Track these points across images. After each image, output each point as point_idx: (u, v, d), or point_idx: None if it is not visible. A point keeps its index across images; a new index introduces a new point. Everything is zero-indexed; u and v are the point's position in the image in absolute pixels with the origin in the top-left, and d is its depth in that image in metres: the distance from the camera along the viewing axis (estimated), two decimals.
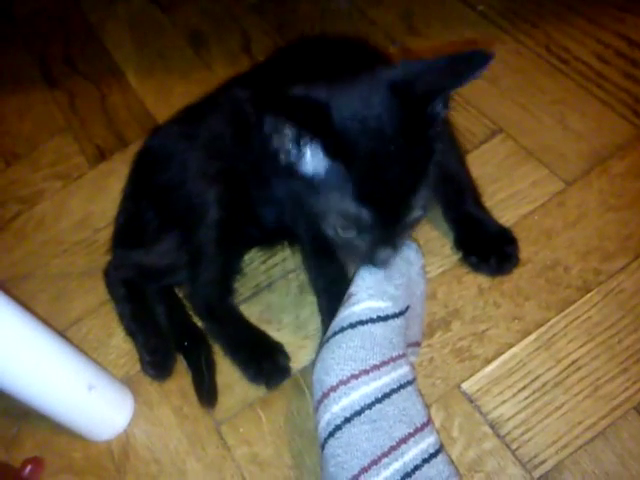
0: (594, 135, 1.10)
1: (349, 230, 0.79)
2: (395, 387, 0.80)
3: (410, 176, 0.75)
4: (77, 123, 1.44)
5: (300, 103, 0.74)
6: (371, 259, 0.81)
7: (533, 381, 0.89)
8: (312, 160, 0.76)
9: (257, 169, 0.99)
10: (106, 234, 1.16)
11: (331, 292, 0.94)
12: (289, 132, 0.74)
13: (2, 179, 1.39)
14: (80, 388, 0.91)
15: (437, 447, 0.79)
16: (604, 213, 1.01)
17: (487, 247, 0.98)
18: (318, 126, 0.72)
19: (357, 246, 0.81)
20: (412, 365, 0.87)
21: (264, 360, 0.96)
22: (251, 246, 1.10)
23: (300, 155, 0.76)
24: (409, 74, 0.75)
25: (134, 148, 1.20)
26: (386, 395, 0.79)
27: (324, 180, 0.76)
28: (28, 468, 0.92)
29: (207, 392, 0.97)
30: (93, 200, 1.28)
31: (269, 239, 1.09)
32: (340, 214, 0.77)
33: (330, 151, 0.74)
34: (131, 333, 1.04)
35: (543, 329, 0.93)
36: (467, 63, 0.71)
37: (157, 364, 1.00)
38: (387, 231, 0.78)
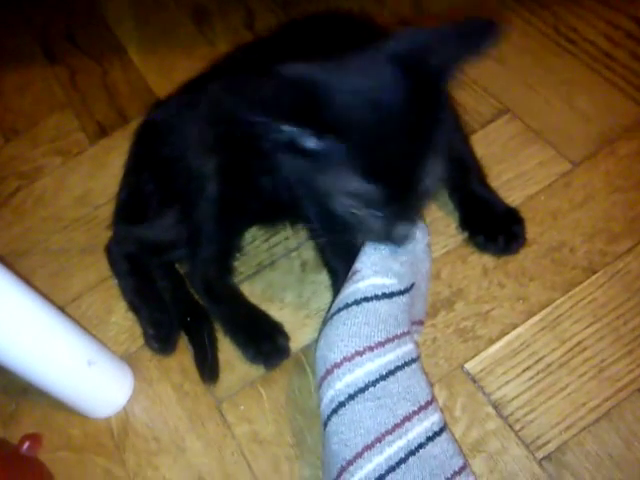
0: (602, 116, 1.09)
1: (361, 208, 0.76)
2: (400, 364, 0.79)
3: (417, 147, 0.72)
4: (78, 99, 1.42)
5: (284, 89, 0.70)
6: (389, 236, 0.79)
7: (537, 362, 0.89)
8: (311, 140, 0.72)
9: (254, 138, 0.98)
10: (106, 210, 1.15)
11: (346, 268, 0.90)
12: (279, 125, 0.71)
13: (1, 155, 1.37)
14: (80, 364, 0.90)
15: (441, 425, 0.78)
16: (611, 194, 1.00)
17: (494, 227, 0.97)
18: (306, 114, 0.69)
19: (372, 224, 0.78)
20: (416, 343, 0.86)
21: (263, 340, 0.95)
22: (251, 223, 1.09)
23: (297, 134, 0.72)
24: (416, 45, 0.72)
25: (135, 124, 1.18)
26: (390, 372, 0.78)
27: (326, 159, 0.73)
28: (26, 444, 0.90)
29: (209, 368, 0.96)
30: (93, 176, 1.26)
31: (269, 214, 1.06)
32: (349, 193, 0.74)
33: (324, 134, 0.71)
34: (134, 307, 1.03)
35: (548, 310, 0.92)
36: (477, 33, 0.69)
37: (161, 338, 0.99)
38: (401, 206, 0.75)
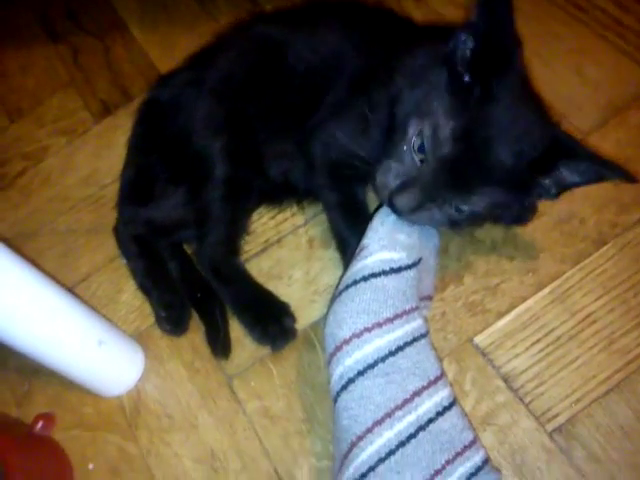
0: (612, 85, 1.07)
1: (421, 148, 0.79)
2: (409, 340, 0.79)
3: (499, 169, 0.77)
4: (81, 78, 1.40)
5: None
6: (389, 189, 0.81)
7: (547, 334, 0.89)
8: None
9: (271, 114, 0.98)
10: (112, 190, 1.15)
11: (358, 240, 0.90)
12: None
13: (7, 136, 1.36)
14: (90, 344, 0.90)
15: (451, 400, 0.78)
16: (621, 164, 0.99)
17: None
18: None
19: (397, 169, 0.82)
20: (424, 319, 0.86)
21: (270, 322, 0.95)
22: (259, 203, 1.08)
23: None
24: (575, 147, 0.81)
25: (139, 102, 1.17)
26: (400, 348, 0.78)
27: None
28: (40, 424, 0.91)
29: (221, 343, 0.96)
30: (99, 155, 1.26)
31: (276, 194, 1.07)
32: (433, 125, 0.78)
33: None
34: (145, 289, 1.03)
35: (558, 282, 0.92)
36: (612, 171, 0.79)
37: (173, 319, 0.99)
38: (438, 177, 0.78)
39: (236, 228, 1.03)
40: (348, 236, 0.95)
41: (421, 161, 0.80)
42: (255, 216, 1.09)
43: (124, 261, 1.07)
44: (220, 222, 0.99)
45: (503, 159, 0.77)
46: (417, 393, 0.76)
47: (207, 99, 0.99)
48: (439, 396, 0.77)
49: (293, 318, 0.96)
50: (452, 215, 0.82)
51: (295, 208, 1.07)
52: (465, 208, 0.81)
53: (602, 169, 0.78)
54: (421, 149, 0.79)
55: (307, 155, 0.97)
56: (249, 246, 1.06)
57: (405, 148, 0.80)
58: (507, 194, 0.80)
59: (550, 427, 0.83)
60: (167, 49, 1.38)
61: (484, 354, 0.89)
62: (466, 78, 0.78)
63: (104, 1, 1.54)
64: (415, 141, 0.79)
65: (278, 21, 1.06)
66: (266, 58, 0.99)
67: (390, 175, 0.82)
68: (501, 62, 0.76)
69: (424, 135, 0.78)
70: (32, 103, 1.40)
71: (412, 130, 0.80)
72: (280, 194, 1.06)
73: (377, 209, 0.87)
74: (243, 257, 1.05)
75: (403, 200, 0.80)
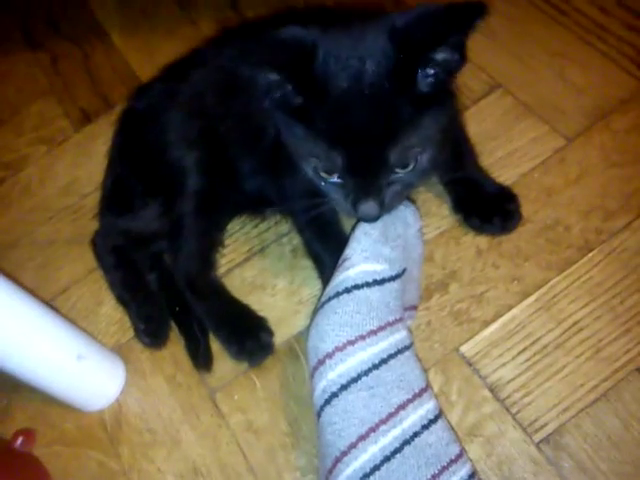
0: (596, 89, 1.07)
1: (328, 174, 0.76)
2: (393, 352, 0.78)
3: (386, 123, 0.70)
4: (60, 85, 1.39)
5: (281, 45, 0.71)
6: (353, 210, 0.77)
7: (533, 343, 0.87)
8: (294, 96, 0.72)
9: (238, 134, 0.97)
10: (93, 199, 1.13)
11: (333, 259, 0.88)
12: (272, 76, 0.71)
13: None
14: (69, 359, 0.89)
15: (436, 413, 0.77)
16: (606, 170, 0.98)
17: (488, 207, 0.95)
18: (293, 68, 0.70)
19: (335, 194, 0.78)
20: (409, 330, 0.84)
21: (246, 337, 0.93)
22: (233, 215, 1.07)
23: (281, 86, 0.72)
24: (411, 19, 0.70)
25: (119, 110, 1.15)
26: (383, 361, 0.77)
27: (303, 117, 0.73)
28: (19, 440, 0.89)
29: (203, 356, 0.95)
30: (79, 165, 1.24)
31: (254, 207, 1.06)
32: (316, 155, 0.75)
33: (304, 91, 0.71)
34: (123, 302, 1.02)
35: (543, 290, 0.91)
36: (465, 12, 0.66)
37: (152, 332, 0.97)
38: (362, 179, 0.74)
39: (209, 241, 1.01)
40: (323, 255, 0.94)
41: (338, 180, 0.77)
42: (238, 225, 1.07)
43: None
44: (192, 235, 0.98)
45: (374, 120, 0.71)
46: (402, 406, 0.75)
47: (182, 111, 0.98)
48: (424, 409, 0.76)
49: (270, 332, 0.94)
50: (406, 176, 0.76)
51: (278, 217, 1.06)
52: (400, 169, 0.75)
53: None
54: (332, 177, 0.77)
55: (275, 181, 0.96)
56: (232, 255, 1.05)
57: (323, 183, 0.78)
58: (416, 124, 0.72)
59: (537, 438, 0.81)
60: (147, 54, 1.37)
61: (470, 364, 0.88)
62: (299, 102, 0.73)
63: (84, 7, 1.53)
64: (322, 175, 0.77)
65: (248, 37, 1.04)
66: (231, 78, 0.95)
67: (341, 202, 0.79)
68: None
69: (319, 167, 0.76)
70: (11, 111, 1.39)
71: (308, 168, 0.78)
72: (257, 207, 1.05)
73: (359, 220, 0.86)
74: (226, 267, 1.04)
75: (366, 211, 0.76)
